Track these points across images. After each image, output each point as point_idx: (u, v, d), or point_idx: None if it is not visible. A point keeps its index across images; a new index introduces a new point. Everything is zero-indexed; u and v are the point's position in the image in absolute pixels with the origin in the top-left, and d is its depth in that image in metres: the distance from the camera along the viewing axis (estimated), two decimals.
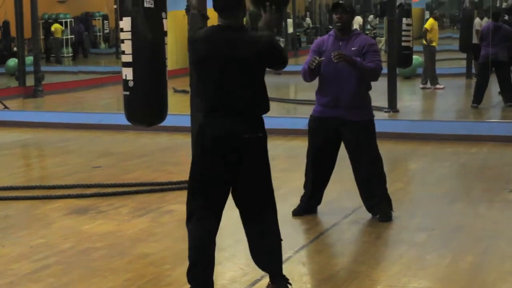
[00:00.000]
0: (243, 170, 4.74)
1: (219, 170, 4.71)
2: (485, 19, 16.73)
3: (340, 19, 6.56)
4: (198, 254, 4.72)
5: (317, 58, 6.49)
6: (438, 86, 16.77)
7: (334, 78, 6.54)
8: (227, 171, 4.72)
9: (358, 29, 23.33)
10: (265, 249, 4.88)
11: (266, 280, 5.04)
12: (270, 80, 20.09)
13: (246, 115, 4.69)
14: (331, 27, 26.24)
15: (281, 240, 4.91)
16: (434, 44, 16.66)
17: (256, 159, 4.77)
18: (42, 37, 26.45)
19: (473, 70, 17.62)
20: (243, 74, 4.66)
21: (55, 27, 27.27)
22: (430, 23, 16.81)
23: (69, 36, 29.18)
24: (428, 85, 16.83)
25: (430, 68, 16.82)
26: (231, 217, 5.15)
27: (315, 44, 6.80)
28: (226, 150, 4.68)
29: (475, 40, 16.82)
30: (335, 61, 6.36)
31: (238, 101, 4.67)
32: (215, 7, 4.81)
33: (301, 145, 7.55)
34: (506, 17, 16.82)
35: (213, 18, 8.86)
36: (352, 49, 6.53)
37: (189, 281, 4.73)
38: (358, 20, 24.33)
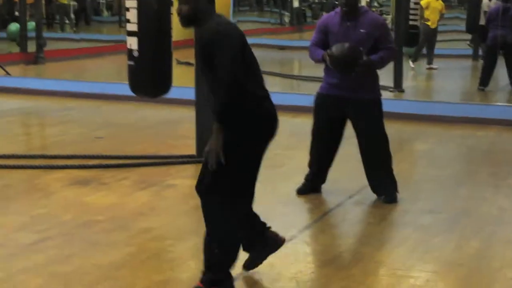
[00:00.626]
0: None
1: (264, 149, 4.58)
2: (494, 0, 16.52)
3: (346, 4, 6.43)
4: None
5: (327, 56, 6.38)
6: (431, 66, 16.61)
7: None
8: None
9: (365, 5, 23.16)
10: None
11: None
12: (274, 55, 20.10)
13: None
14: (337, 2, 26.07)
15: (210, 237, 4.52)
16: (428, 23, 16.31)
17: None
18: (44, 2, 26.21)
19: (480, 52, 17.47)
20: None
21: None
22: (426, 0, 16.46)
23: (72, 3, 28.96)
24: (434, 65, 16.65)
25: (419, 47, 16.48)
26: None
27: (322, 23, 6.66)
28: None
29: (482, 21, 16.65)
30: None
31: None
32: None
33: (305, 122, 7.46)
34: None
35: None
36: (361, 30, 6.41)
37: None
38: None
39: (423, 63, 16.80)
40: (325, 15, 6.92)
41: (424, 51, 17.29)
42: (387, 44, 6.47)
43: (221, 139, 4.28)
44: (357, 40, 6.37)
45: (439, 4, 16.59)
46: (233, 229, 4.48)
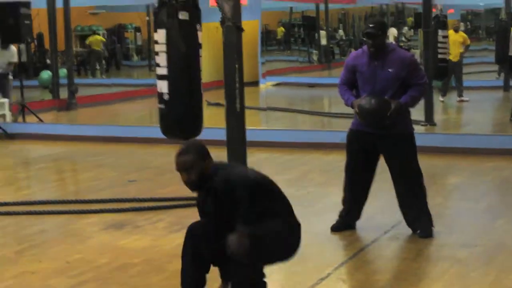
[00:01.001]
0: None
1: None
2: None
3: (373, 45, 6.45)
4: None
5: (356, 108, 6.43)
6: (462, 99, 16.53)
7: (372, 94, 6.45)
8: None
9: (393, 41, 23.17)
10: None
11: None
12: (303, 93, 20.14)
13: None
14: (364, 39, 26.11)
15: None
16: (450, 57, 16.23)
17: None
18: (75, 49, 26.55)
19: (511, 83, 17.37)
20: None
21: (94, 39, 27.35)
22: (460, 41, 16.43)
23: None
24: (465, 97, 16.53)
25: (444, 80, 16.43)
26: None
27: (350, 62, 6.67)
28: None
29: (511, 52, 16.59)
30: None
31: None
32: None
33: (337, 159, 7.47)
34: None
35: (248, 30, 8.84)
36: (389, 70, 6.41)
37: None
38: (393, 32, 24.17)
39: (454, 96, 16.72)
40: (353, 52, 6.93)
41: (453, 83, 17.24)
42: (417, 81, 6.45)
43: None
44: (385, 79, 6.39)
45: (460, 37, 16.52)
46: None
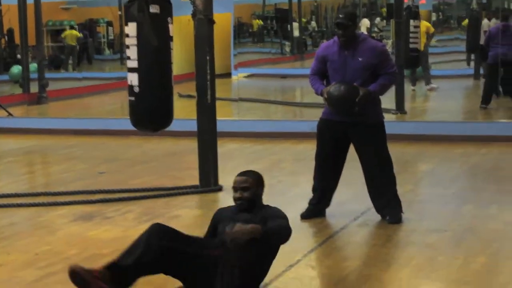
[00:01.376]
0: None
1: None
2: (493, 20, 16.61)
3: (344, 35, 6.47)
4: None
5: (325, 95, 6.45)
6: (432, 86, 16.66)
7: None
8: None
9: (366, 32, 23.21)
10: None
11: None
12: (276, 84, 20.16)
13: None
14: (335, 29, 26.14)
15: None
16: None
17: None
18: (46, 44, 26.37)
19: (481, 71, 17.48)
20: None
21: (66, 34, 27.19)
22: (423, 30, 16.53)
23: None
24: (434, 84, 16.64)
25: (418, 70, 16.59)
26: None
27: (320, 52, 6.69)
28: None
29: (482, 41, 16.70)
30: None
31: None
32: None
33: (308, 148, 7.49)
34: None
35: (220, 23, 8.83)
36: (359, 59, 6.44)
37: None
38: (365, 23, 24.22)
39: (423, 85, 16.82)
40: (323, 43, 6.96)
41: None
42: (387, 70, 6.49)
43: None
44: (355, 68, 6.41)
45: (423, 26, 16.60)
46: None
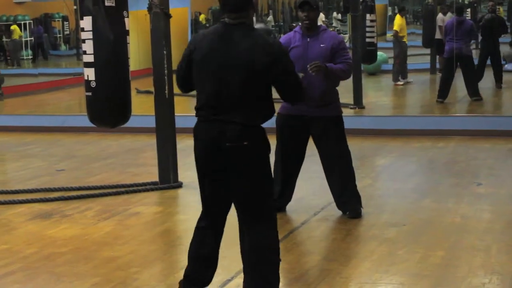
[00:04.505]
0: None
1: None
2: (449, 14, 16.78)
3: (308, 17, 6.49)
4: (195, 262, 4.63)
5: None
6: (406, 81, 16.85)
7: (304, 70, 6.46)
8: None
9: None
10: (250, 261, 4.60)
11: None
12: None
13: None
14: (294, 24, 26.18)
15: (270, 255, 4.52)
16: (404, 40, 16.67)
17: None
18: (6, 39, 26.05)
19: (438, 65, 17.67)
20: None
21: (14, 27, 26.89)
22: (398, 23, 16.71)
23: (29, 38, 28.79)
24: (401, 81, 16.80)
25: (400, 64, 16.79)
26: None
27: (283, 42, 6.68)
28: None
29: (438, 35, 16.88)
30: (313, 73, 6.29)
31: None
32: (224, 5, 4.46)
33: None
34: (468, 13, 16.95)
35: (177, 17, 8.79)
36: (321, 45, 6.47)
37: None
38: (321, 17, 24.42)
39: (385, 79, 16.97)
40: (284, 35, 6.93)
41: (384, 66, 17.54)
42: (344, 59, 6.52)
43: None
44: (317, 53, 6.42)
45: (404, 21, 16.91)
46: None
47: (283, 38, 6.80)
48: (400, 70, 16.81)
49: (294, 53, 6.44)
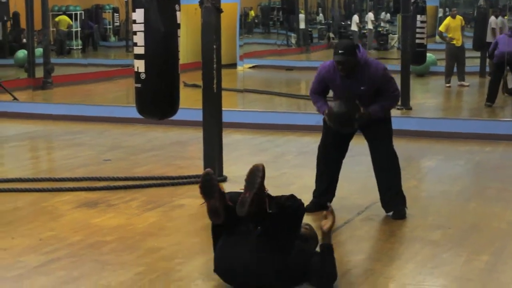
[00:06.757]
0: None
1: None
2: (500, 18, 16.57)
3: (343, 70, 6.43)
4: None
5: (326, 111, 6.53)
6: (462, 83, 16.66)
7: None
8: None
9: (371, 26, 23.18)
10: None
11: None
12: (281, 76, 20.05)
13: None
14: (343, 23, 26.09)
15: None
16: (454, 42, 16.46)
17: None
18: (52, 29, 26.36)
19: (487, 69, 17.44)
20: None
21: (60, 18, 27.15)
22: (444, 23, 16.57)
23: (79, 29, 29.10)
24: (466, 82, 16.61)
25: (447, 66, 16.62)
26: None
27: (321, 75, 6.64)
28: None
29: (489, 38, 16.67)
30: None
31: None
32: None
33: (312, 141, 7.48)
34: None
35: (227, 12, 8.80)
36: (362, 88, 6.46)
37: None
38: (370, 17, 24.25)
39: (434, 81, 16.79)
40: (324, 65, 6.66)
41: (433, 68, 17.33)
42: (388, 93, 6.53)
43: None
44: (358, 94, 6.47)
45: (459, 20, 16.67)
46: None
47: (323, 67, 6.68)
48: (445, 73, 16.59)
49: (334, 90, 6.54)
